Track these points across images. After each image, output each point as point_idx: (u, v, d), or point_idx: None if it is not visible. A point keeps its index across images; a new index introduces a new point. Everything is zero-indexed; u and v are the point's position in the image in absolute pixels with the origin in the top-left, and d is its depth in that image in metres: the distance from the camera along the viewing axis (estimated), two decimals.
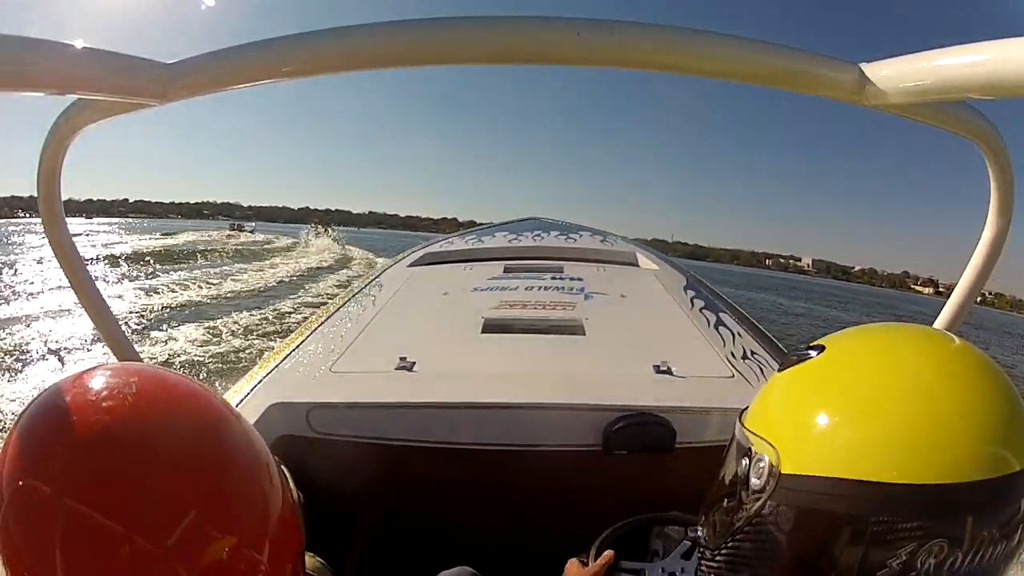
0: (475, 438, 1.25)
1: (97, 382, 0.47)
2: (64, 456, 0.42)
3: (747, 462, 0.54)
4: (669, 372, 1.38)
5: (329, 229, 38.21)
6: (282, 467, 0.57)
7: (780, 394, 0.56)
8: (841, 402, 0.49)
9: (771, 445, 0.51)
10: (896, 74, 0.54)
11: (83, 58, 0.50)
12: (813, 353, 0.55)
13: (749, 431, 0.56)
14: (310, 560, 0.74)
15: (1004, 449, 0.45)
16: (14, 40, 0.45)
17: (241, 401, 1.31)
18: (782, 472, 0.50)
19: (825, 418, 0.49)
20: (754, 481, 0.52)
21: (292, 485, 0.58)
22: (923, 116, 0.62)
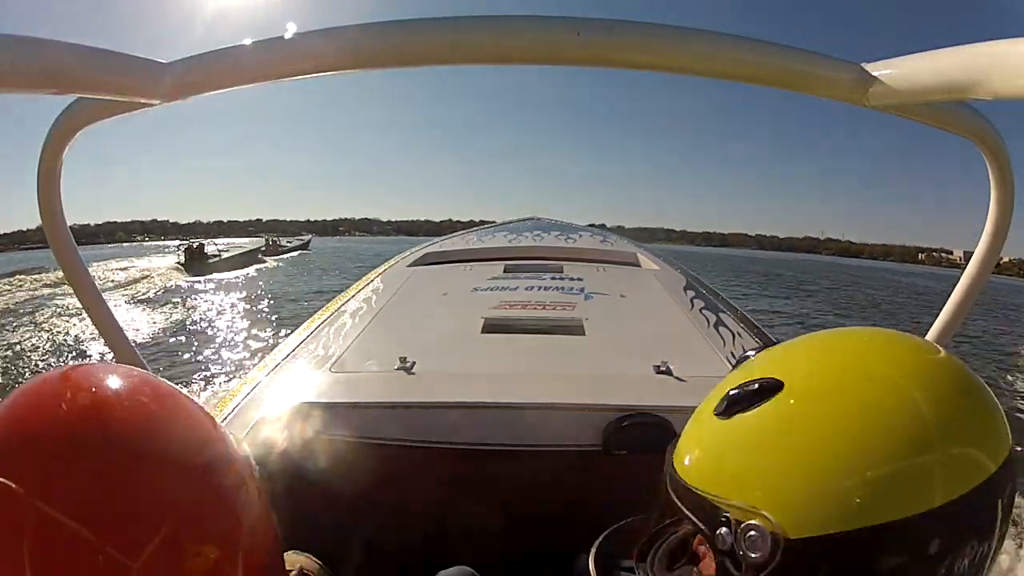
0: (475, 438, 1.24)
1: (81, 383, 0.45)
2: (40, 458, 0.41)
3: (727, 532, 0.49)
4: (669, 372, 1.38)
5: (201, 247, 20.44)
6: (264, 475, 0.56)
7: (746, 448, 0.50)
8: (828, 451, 0.47)
9: (763, 514, 0.47)
10: (896, 74, 0.54)
11: (83, 58, 0.50)
12: (768, 393, 0.50)
13: (716, 497, 0.50)
14: (308, 561, 0.74)
15: (976, 455, 0.46)
16: (14, 40, 0.45)
17: (241, 401, 1.31)
18: (788, 538, 0.46)
19: (816, 472, 0.46)
20: (752, 555, 0.47)
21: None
22: (923, 117, 0.62)
